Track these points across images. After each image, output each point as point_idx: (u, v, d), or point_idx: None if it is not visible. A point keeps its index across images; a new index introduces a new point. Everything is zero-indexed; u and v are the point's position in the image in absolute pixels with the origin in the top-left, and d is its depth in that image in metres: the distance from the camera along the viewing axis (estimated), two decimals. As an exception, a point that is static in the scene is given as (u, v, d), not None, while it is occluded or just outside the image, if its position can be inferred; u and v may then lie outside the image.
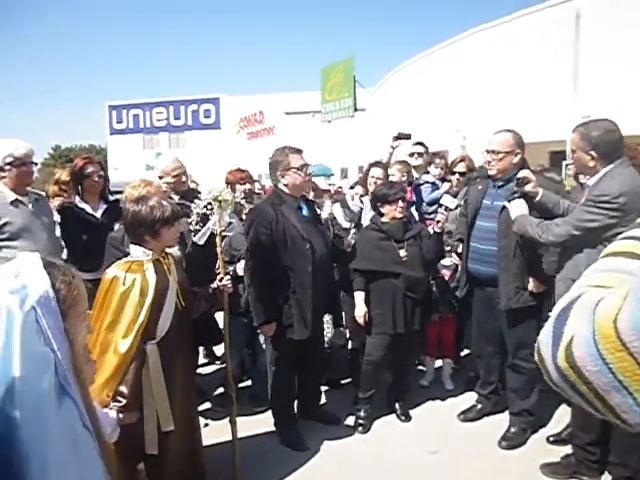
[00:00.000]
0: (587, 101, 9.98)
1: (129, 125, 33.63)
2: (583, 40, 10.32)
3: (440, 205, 3.44)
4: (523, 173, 2.92)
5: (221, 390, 3.75)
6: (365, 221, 3.85)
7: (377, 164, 4.17)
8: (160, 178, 3.57)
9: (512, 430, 3.21)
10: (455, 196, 3.59)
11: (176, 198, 3.45)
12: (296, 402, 3.49)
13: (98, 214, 3.59)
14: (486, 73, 12.29)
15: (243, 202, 2.67)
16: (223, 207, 2.56)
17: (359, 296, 3.38)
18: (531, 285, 3.01)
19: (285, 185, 3.15)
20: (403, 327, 3.34)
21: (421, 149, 4.59)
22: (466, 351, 4.50)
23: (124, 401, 2.00)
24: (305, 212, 3.23)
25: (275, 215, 3.04)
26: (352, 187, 4.61)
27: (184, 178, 3.63)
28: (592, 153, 2.51)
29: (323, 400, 3.77)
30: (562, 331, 0.62)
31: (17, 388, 0.80)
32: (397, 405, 3.60)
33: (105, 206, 3.66)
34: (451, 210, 3.45)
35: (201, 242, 2.69)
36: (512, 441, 3.16)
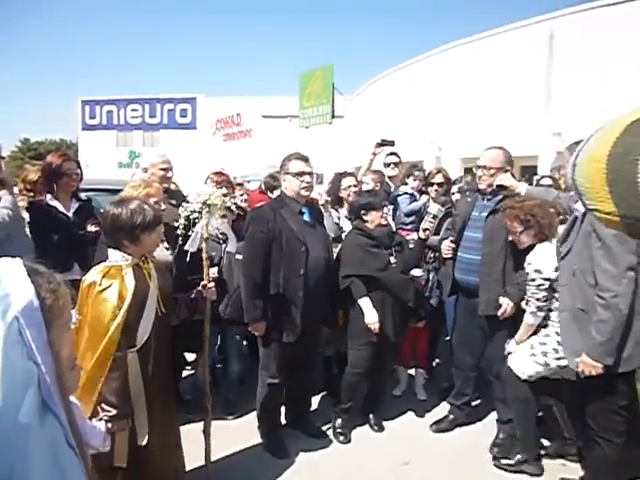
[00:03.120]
0: (558, 119, 10.30)
1: (102, 121, 32.85)
2: (556, 59, 10.65)
3: (427, 213, 3.45)
4: (498, 180, 3.14)
5: (189, 397, 3.66)
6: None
7: (346, 174, 4.15)
8: (145, 171, 3.52)
9: (501, 436, 3.24)
10: (443, 205, 3.61)
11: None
12: (283, 409, 3.45)
13: (70, 213, 3.47)
14: (462, 87, 12.55)
15: (233, 207, 2.59)
16: (212, 212, 2.50)
17: (365, 302, 3.25)
18: (502, 301, 3.05)
19: (286, 188, 3.18)
20: (393, 335, 3.34)
21: (396, 159, 4.65)
22: (437, 361, 4.56)
23: (113, 411, 1.94)
24: (307, 217, 3.20)
25: (273, 216, 3.05)
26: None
27: (170, 174, 3.60)
28: None
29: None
30: None
31: None
32: (371, 415, 3.59)
33: (77, 205, 3.54)
34: (437, 217, 3.46)
35: (193, 249, 2.60)
36: (502, 447, 3.18)
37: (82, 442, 1.01)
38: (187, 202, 2.56)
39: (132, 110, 32.28)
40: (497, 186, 3.18)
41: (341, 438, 3.38)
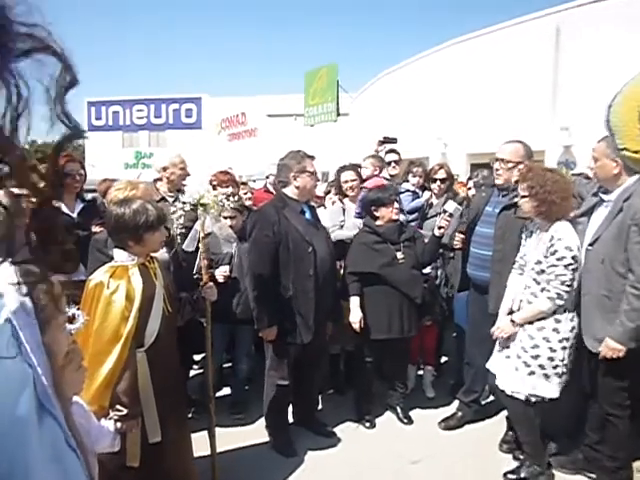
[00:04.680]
0: (566, 113, 10.19)
1: (108, 122, 32.93)
2: (563, 53, 10.53)
3: (444, 211, 3.39)
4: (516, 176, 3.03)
5: (196, 397, 3.65)
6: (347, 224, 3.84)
7: (345, 168, 4.11)
8: (164, 170, 3.53)
9: (510, 433, 3.20)
10: (460, 204, 3.54)
11: (170, 200, 3.41)
12: (291, 407, 3.44)
13: (74, 214, 3.47)
14: (467, 82, 12.44)
15: (227, 204, 2.55)
16: (207, 210, 2.49)
17: (354, 301, 3.34)
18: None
19: (296, 187, 3.13)
20: (399, 331, 3.33)
21: (396, 157, 4.60)
22: (445, 358, 4.52)
23: (124, 410, 1.94)
24: (308, 215, 3.20)
25: (278, 217, 3.01)
26: (327, 193, 4.53)
27: (188, 173, 3.63)
28: (618, 160, 2.53)
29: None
30: None
31: None
32: (398, 409, 3.63)
33: (82, 205, 3.54)
34: (453, 216, 3.40)
35: (190, 249, 2.59)
36: (512, 444, 3.15)
37: (83, 444, 0.99)
38: (180, 202, 2.54)
39: (138, 110, 32.31)
40: (516, 181, 3.07)
41: (367, 424, 3.54)
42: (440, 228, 3.36)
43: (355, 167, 4.15)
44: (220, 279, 3.27)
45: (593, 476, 2.83)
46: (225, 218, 3.47)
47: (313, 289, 3.01)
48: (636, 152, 1.00)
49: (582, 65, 9.97)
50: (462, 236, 3.40)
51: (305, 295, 3.01)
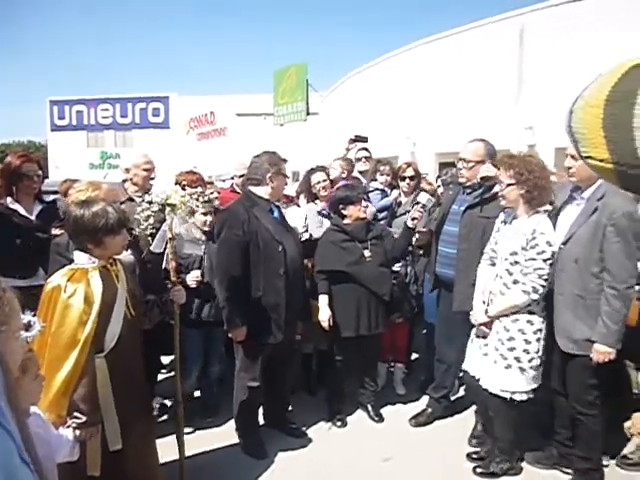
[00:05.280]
0: (530, 113, 10.45)
1: (72, 122, 31.91)
2: (527, 54, 10.79)
3: (417, 203, 3.39)
4: (482, 172, 3.09)
5: (165, 401, 3.59)
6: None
7: (314, 170, 4.08)
8: (127, 171, 3.47)
9: (479, 428, 3.24)
10: (432, 195, 3.56)
11: (138, 200, 3.32)
12: (261, 409, 3.41)
13: (33, 216, 3.34)
14: (435, 82, 12.63)
15: (196, 204, 2.48)
16: (174, 211, 2.43)
17: (323, 299, 3.34)
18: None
19: (272, 188, 3.10)
20: (367, 329, 3.36)
21: (367, 154, 4.63)
22: (415, 355, 4.57)
23: (83, 417, 1.88)
24: (276, 214, 3.19)
25: (247, 216, 2.99)
26: (300, 192, 4.48)
27: (153, 174, 3.56)
28: None
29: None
30: None
31: None
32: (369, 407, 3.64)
33: (40, 207, 3.40)
34: (426, 207, 3.41)
35: (158, 250, 2.53)
36: (480, 438, 3.20)
37: (39, 457, 0.96)
38: (146, 202, 2.47)
39: (103, 110, 31.43)
40: (481, 178, 3.14)
41: (339, 424, 3.54)
42: (413, 219, 3.36)
43: (324, 168, 4.14)
44: (192, 285, 3.19)
45: (568, 471, 2.87)
46: (203, 214, 3.39)
47: (284, 288, 3.00)
48: (601, 160, 0.97)
49: (545, 66, 10.24)
50: (425, 237, 3.46)
51: (276, 294, 2.99)
